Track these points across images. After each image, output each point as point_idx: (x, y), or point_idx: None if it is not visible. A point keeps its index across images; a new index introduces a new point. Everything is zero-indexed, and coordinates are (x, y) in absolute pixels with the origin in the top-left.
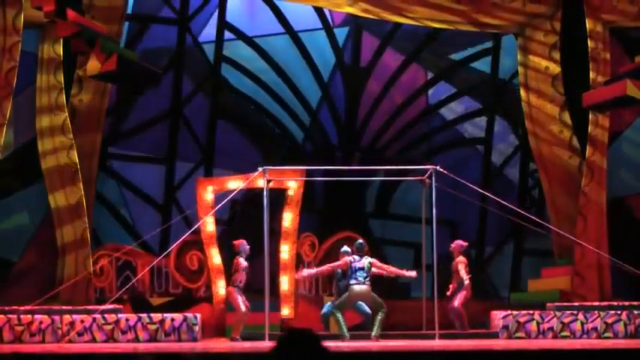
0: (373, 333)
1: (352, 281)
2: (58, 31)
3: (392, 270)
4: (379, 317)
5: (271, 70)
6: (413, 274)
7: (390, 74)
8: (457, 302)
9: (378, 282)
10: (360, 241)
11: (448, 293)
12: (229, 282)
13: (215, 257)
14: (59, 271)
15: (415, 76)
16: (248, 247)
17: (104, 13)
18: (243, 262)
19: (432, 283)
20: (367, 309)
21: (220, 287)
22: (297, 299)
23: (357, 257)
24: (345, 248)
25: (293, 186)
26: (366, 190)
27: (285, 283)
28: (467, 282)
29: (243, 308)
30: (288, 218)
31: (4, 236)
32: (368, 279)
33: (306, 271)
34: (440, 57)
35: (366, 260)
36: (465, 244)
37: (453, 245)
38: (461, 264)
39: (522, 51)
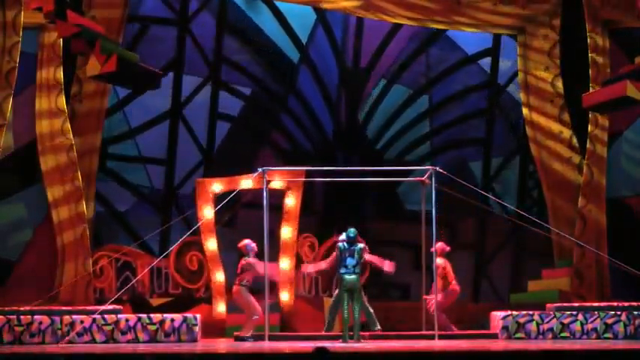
0: (377, 326)
1: (342, 270)
2: (58, 32)
3: (374, 259)
4: (370, 311)
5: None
6: (391, 269)
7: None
8: (434, 306)
9: (377, 282)
10: (353, 230)
11: (425, 297)
12: (236, 281)
13: (211, 245)
14: (59, 272)
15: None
16: (254, 244)
17: (104, 15)
18: (250, 259)
19: (431, 285)
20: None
21: (218, 276)
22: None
23: (346, 245)
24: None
25: (290, 202)
26: (365, 190)
27: (284, 295)
28: (455, 286)
29: (258, 308)
30: (287, 231)
31: (4, 236)
32: (358, 267)
33: (311, 267)
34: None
35: (356, 247)
36: (448, 248)
37: (437, 246)
38: (441, 267)
39: (522, 51)
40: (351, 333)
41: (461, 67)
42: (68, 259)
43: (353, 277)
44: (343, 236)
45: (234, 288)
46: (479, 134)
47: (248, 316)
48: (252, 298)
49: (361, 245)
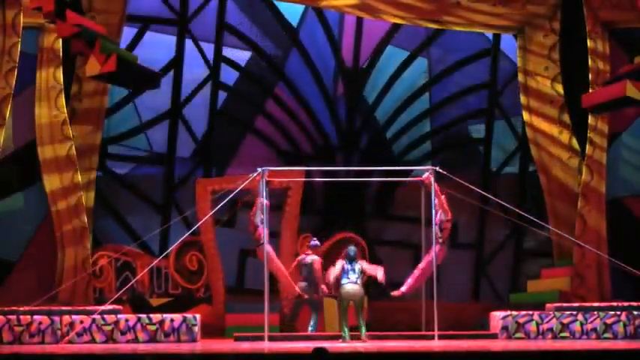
0: (363, 334)
1: (344, 280)
2: (58, 32)
3: (375, 269)
4: (361, 315)
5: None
6: (383, 278)
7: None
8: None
9: (377, 282)
10: (353, 248)
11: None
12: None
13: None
14: (59, 272)
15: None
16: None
17: (103, 14)
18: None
19: (431, 284)
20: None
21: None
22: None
23: (347, 264)
24: (314, 242)
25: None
26: (365, 190)
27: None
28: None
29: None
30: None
31: (4, 236)
32: (359, 279)
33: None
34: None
35: (357, 265)
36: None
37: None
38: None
39: (522, 52)
40: (353, 333)
41: (461, 67)
42: (68, 259)
43: (355, 286)
44: (315, 242)
45: (256, 249)
46: (479, 134)
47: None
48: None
49: (361, 264)
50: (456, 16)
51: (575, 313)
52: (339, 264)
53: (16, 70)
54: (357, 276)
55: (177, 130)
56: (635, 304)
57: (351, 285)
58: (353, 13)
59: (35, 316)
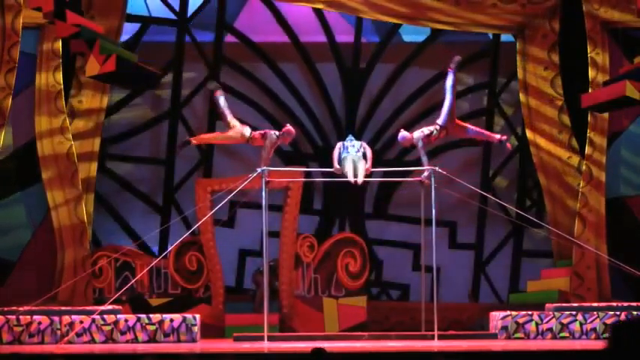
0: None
1: (344, 154)
2: (57, 32)
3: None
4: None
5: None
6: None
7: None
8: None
9: (377, 282)
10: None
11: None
12: None
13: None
14: (58, 272)
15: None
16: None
17: (103, 14)
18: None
19: (431, 285)
20: None
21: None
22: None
23: (348, 142)
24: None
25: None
26: (364, 190)
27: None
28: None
29: None
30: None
31: (4, 236)
32: (360, 152)
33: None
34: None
35: (359, 153)
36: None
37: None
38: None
39: (521, 52)
40: (353, 333)
41: (460, 66)
42: (68, 259)
43: (356, 155)
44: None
45: None
46: None
47: None
48: None
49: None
50: (454, 15)
51: (574, 313)
52: (337, 146)
53: (16, 70)
54: (356, 150)
55: (177, 130)
56: (634, 304)
57: (351, 155)
58: (331, 10)
59: (35, 316)
